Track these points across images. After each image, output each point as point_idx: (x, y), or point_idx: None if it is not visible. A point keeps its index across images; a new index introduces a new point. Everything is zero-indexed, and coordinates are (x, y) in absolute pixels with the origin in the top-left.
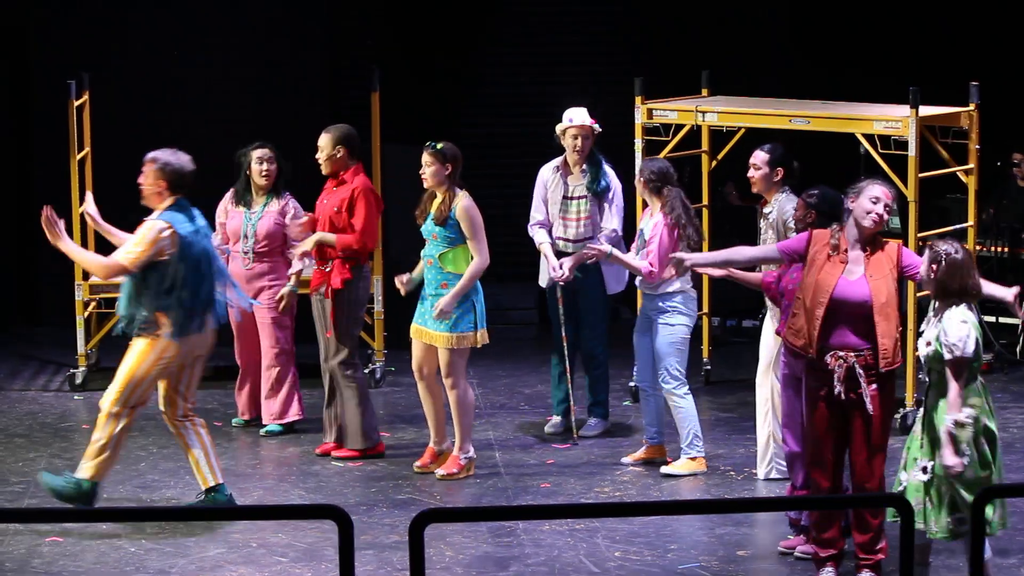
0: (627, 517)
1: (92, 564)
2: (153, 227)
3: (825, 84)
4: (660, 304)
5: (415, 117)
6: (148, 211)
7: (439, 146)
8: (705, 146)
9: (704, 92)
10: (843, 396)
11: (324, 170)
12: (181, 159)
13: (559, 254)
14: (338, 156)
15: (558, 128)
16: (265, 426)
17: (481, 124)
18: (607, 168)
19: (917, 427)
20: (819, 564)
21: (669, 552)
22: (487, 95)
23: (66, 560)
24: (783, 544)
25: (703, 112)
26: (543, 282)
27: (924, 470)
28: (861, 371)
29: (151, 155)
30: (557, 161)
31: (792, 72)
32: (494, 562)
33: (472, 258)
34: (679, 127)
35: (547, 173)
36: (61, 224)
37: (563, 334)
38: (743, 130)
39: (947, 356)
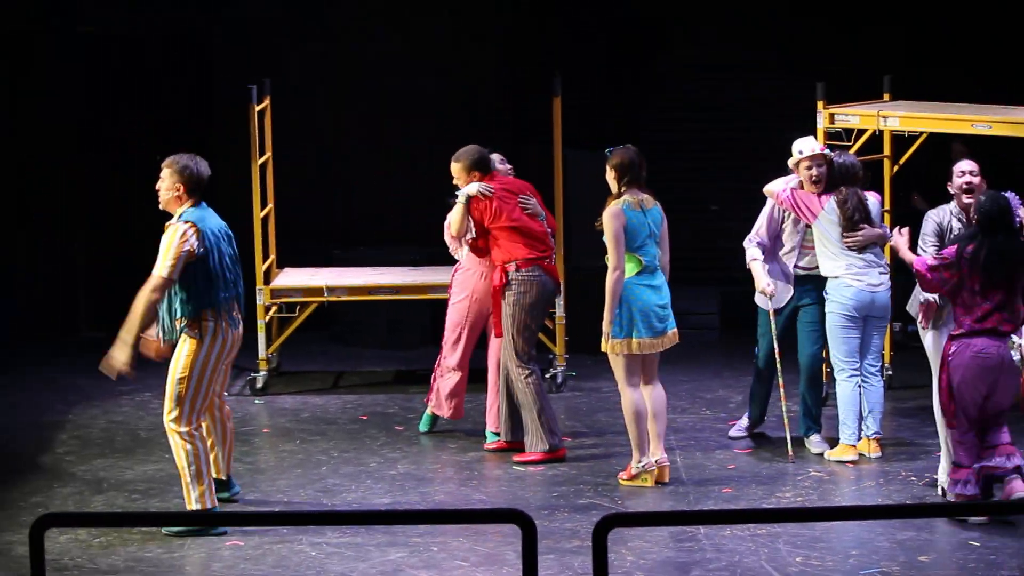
0: (809, 522)
1: (272, 568)
2: (176, 230)
3: (1006, 89)
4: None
5: (596, 122)
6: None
7: (607, 152)
8: (887, 151)
9: (886, 96)
10: None
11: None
12: (199, 163)
13: (797, 279)
14: (474, 180)
15: (790, 162)
16: (490, 433)
17: (659, 129)
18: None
19: None
20: None
21: (850, 558)
22: (667, 100)
23: (247, 564)
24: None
25: (885, 116)
26: (763, 302)
27: None
28: None
29: (170, 158)
30: (794, 181)
31: (974, 76)
32: (675, 567)
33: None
34: (861, 132)
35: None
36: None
37: (777, 350)
38: (925, 135)
39: None
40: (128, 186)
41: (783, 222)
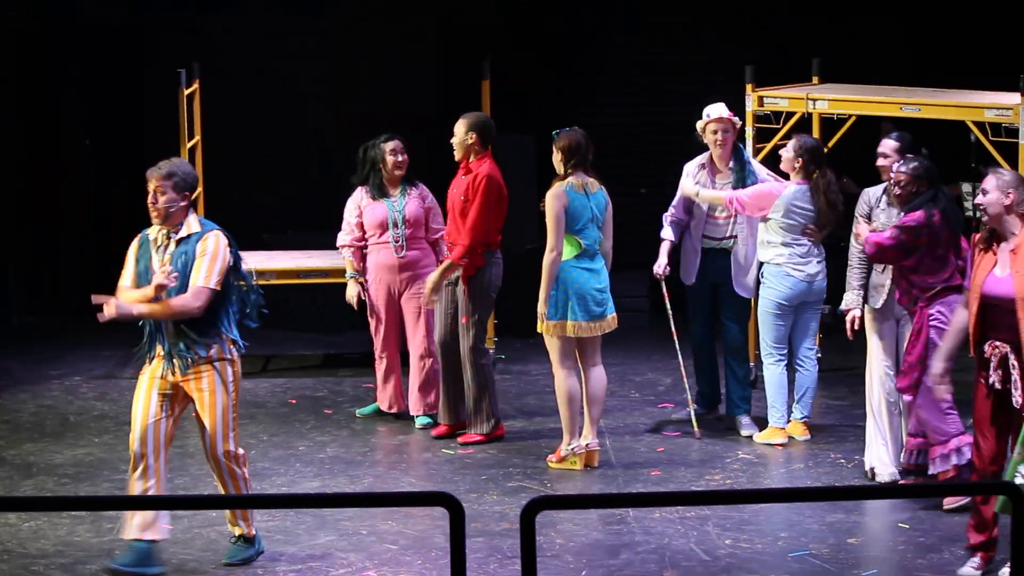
0: (737, 505)
1: (201, 551)
2: (217, 240)
3: (935, 71)
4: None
5: (527, 107)
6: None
7: (555, 133)
8: (816, 134)
9: (815, 80)
10: (997, 386)
11: (456, 155)
12: (191, 167)
13: (706, 252)
14: (469, 142)
15: (698, 125)
16: (417, 417)
17: (592, 112)
18: (753, 165)
19: None
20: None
21: (779, 540)
22: (599, 84)
23: (176, 547)
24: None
25: (814, 100)
26: (686, 278)
27: None
28: (1015, 362)
29: (160, 171)
30: (702, 158)
31: (902, 59)
32: (604, 550)
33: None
34: (790, 115)
35: (692, 169)
36: (110, 300)
37: (673, 328)
38: (854, 118)
39: None
40: (60, 172)
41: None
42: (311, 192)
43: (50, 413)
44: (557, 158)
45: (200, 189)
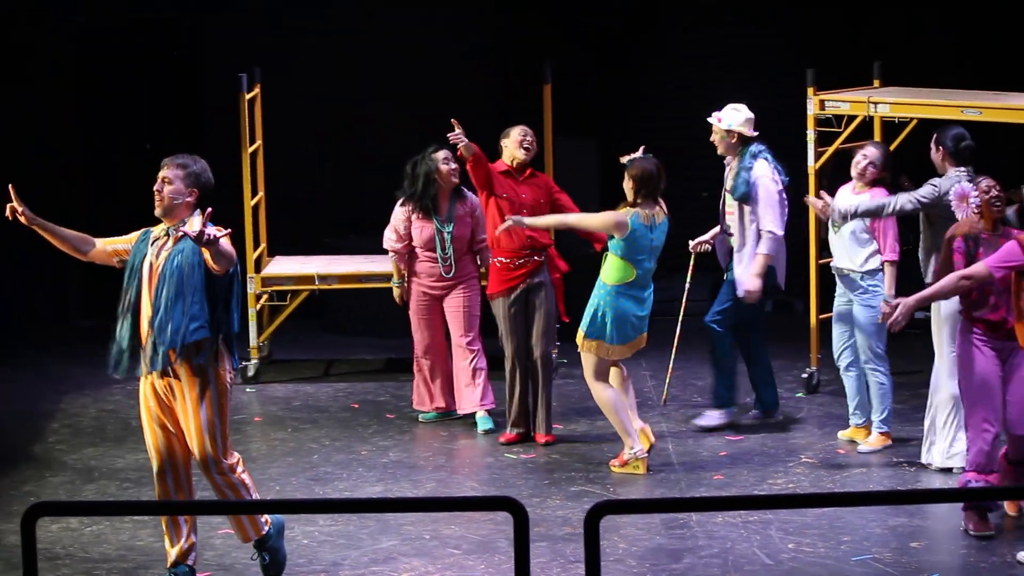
0: (800, 509)
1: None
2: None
3: (996, 75)
4: (860, 283)
5: (585, 111)
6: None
7: (627, 161)
8: (877, 137)
9: (876, 83)
10: None
11: (525, 159)
12: (208, 169)
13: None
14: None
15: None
16: (479, 418)
17: (648, 117)
18: (753, 173)
19: None
20: None
21: (842, 544)
22: (656, 87)
23: (238, 552)
24: None
25: (875, 103)
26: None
27: None
28: None
29: (177, 160)
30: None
31: (963, 62)
32: (667, 554)
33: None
34: (851, 118)
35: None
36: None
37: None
38: (915, 121)
39: None
40: (120, 175)
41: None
42: (372, 197)
43: (111, 418)
44: (628, 186)
45: (261, 194)
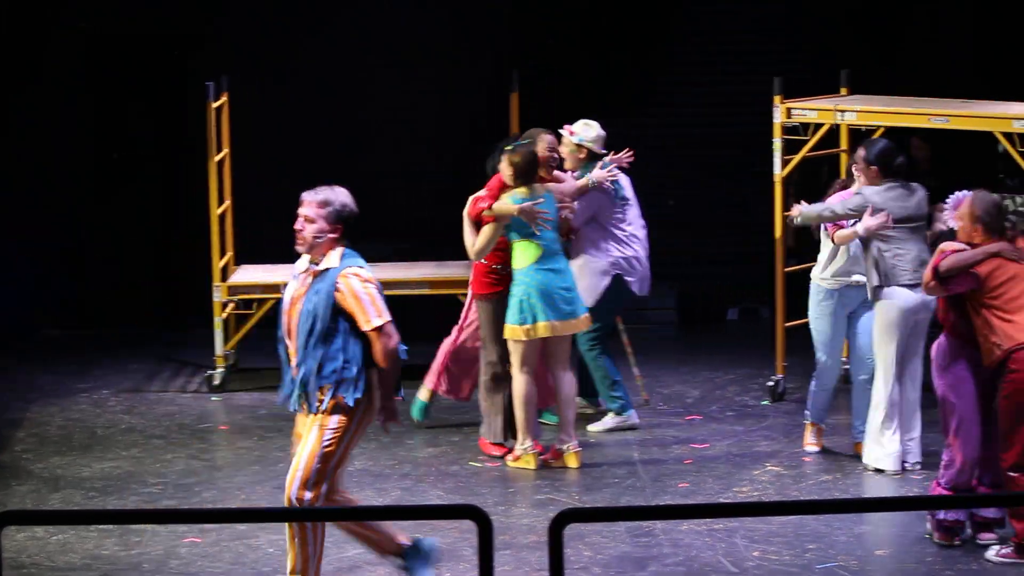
0: (765, 516)
1: (230, 565)
2: (369, 280)
3: (964, 82)
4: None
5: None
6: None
7: (507, 148)
8: (844, 145)
9: (843, 91)
10: None
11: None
12: (350, 198)
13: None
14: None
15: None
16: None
17: (622, 125)
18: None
19: None
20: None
21: (807, 552)
22: (630, 95)
23: (204, 561)
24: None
25: (842, 111)
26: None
27: None
28: None
29: (321, 197)
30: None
31: (931, 70)
32: (632, 562)
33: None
34: (818, 126)
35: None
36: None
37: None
38: (882, 129)
39: None
40: (87, 185)
41: None
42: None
43: (78, 426)
44: (508, 172)
45: (228, 202)
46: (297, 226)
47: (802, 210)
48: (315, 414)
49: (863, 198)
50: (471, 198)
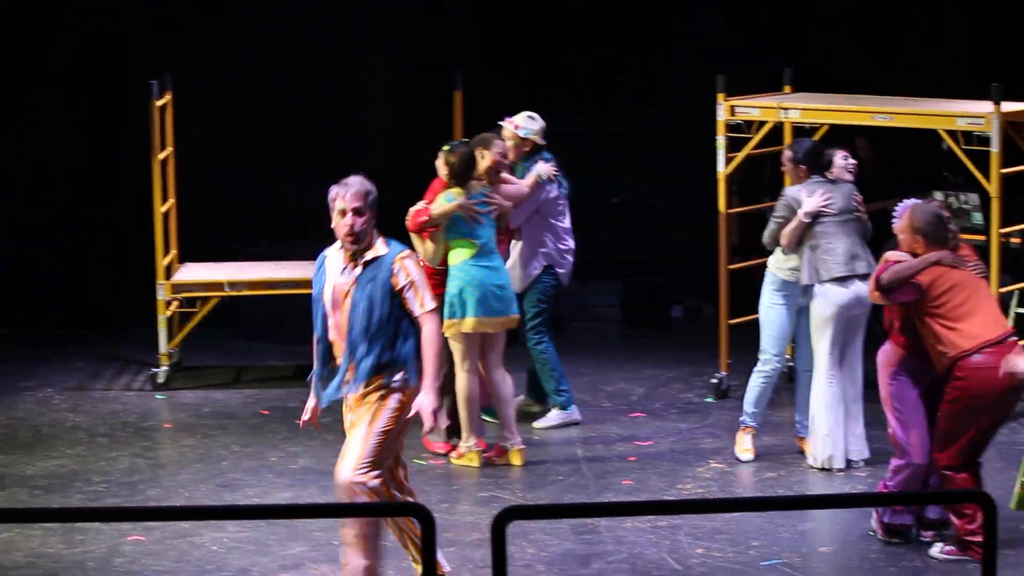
0: (709, 514)
1: (174, 563)
2: (417, 261)
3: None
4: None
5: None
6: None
7: (446, 148)
8: (787, 143)
9: (787, 89)
10: None
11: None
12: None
13: None
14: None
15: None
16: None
17: (563, 122)
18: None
19: None
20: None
21: (751, 549)
22: (571, 93)
23: (148, 559)
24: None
25: (785, 109)
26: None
27: None
28: None
29: (361, 188)
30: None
31: (875, 68)
32: (576, 559)
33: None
34: (762, 124)
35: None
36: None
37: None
38: (826, 127)
39: None
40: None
41: None
42: (284, 204)
43: (22, 425)
44: (444, 172)
45: (172, 200)
46: (347, 222)
47: (765, 241)
48: (370, 399)
49: (788, 198)
50: (411, 211)
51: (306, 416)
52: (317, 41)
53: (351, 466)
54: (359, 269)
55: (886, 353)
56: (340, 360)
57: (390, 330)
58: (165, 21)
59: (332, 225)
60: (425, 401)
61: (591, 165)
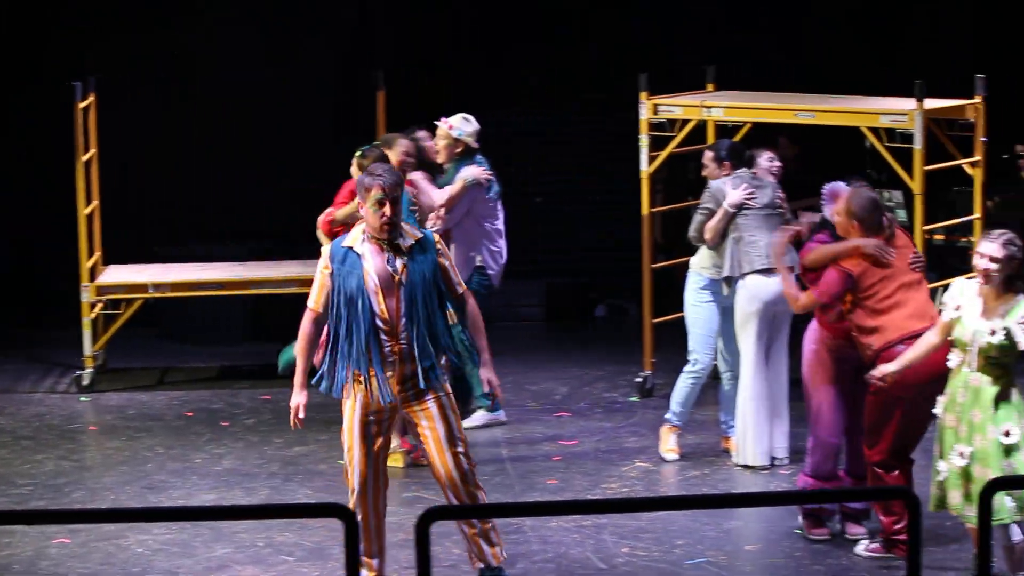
0: (634, 513)
1: (99, 565)
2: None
3: (831, 77)
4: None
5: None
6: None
7: (361, 151)
8: (711, 141)
9: (709, 87)
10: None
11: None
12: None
13: None
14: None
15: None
16: None
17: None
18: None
19: (949, 416)
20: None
21: (676, 547)
22: (493, 92)
23: (73, 561)
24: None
25: (709, 107)
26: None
27: (961, 455)
28: None
29: (395, 177)
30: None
31: (797, 66)
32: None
33: None
34: (684, 122)
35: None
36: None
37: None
38: (749, 125)
39: None
40: None
41: None
42: (210, 205)
43: None
44: (358, 176)
45: (96, 202)
46: (386, 211)
47: (690, 235)
48: (434, 389)
49: (714, 190)
50: (322, 215)
51: (302, 415)
52: (242, 41)
53: (468, 471)
54: (408, 253)
55: (811, 330)
56: (392, 345)
57: (441, 312)
58: (87, 21)
59: (362, 214)
60: (491, 375)
61: (516, 164)
